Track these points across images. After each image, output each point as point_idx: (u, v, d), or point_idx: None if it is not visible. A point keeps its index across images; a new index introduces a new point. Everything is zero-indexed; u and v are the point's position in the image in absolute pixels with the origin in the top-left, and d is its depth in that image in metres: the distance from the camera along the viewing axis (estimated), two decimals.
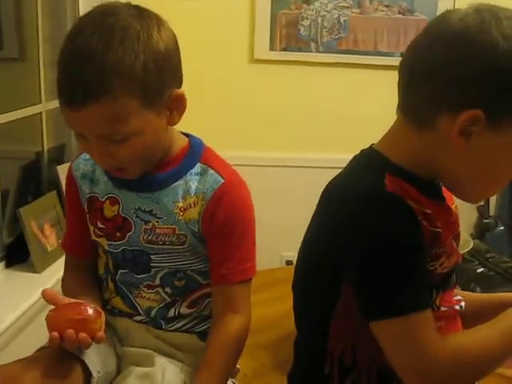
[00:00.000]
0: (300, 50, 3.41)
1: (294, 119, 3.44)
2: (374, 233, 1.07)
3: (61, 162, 2.69)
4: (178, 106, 1.29)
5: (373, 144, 1.23)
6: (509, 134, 1.09)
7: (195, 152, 1.39)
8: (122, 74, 1.18)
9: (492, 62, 1.05)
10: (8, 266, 2.28)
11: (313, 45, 3.41)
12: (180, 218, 1.35)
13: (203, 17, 3.27)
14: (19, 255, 2.29)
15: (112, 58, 1.17)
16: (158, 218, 1.36)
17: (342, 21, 3.40)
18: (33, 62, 2.57)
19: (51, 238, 2.39)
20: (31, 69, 2.57)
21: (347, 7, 3.39)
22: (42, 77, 2.57)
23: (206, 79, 3.24)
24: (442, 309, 1.20)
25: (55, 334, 1.25)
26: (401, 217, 1.07)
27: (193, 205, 1.35)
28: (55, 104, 2.67)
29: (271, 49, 3.38)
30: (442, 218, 1.16)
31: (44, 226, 2.37)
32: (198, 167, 1.36)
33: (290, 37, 3.39)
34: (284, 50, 3.40)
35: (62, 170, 2.56)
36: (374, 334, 1.10)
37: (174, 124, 1.32)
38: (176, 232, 1.35)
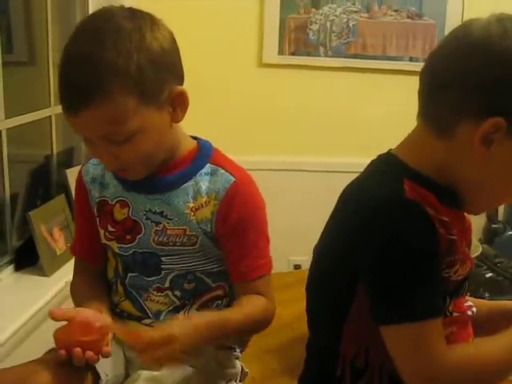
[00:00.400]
0: (309, 54, 3.42)
1: (303, 123, 3.43)
2: (387, 235, 1.07)
3: (70, 166, 2.69)
4: (179, 102, 1.30)
5: (391, 149, 1.23)
6: None
7: (204, 153, 1.40)
8: (116, 74, 1.20)
9: None
10: (17, 269, 2.29)
11: (321, 49, 3.41)
12: (191, 218, 1.36)
13: (212, 21, 3.27)
14: (28, 258, 2.29)
15: (106, 60, 1.20)
16: (169, 219, 1.37)
17: (350, 25, 3.40)
18: (42, 65, 2.58)
19: (60, 242, 2.40)
20: (41, 72, 2.58)
21: (356, 12, 3.39)
22: (51, 80, 2.57)
23: (215, 83, 3.25)
24: (455, 315, 1.20)
25: (63, 352, 1.26)
26: (418, 223, 1.07)
27: (204, 204, 1.35)
28: None
29: (280, 53, 3.38)
30: (457, 225, 1.15)
31: (53, 230, 2.38)
32: (207, 167, 1.37)
33: (298, 41, 3.39)
34: (293, 54, 3.40)
35: (71, 174, 2.57)
36: (383, 338, 1.10)
37: (178, 121, 1.33)
38: (187, 233, 1.36)
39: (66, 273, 2.24)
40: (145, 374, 1.37)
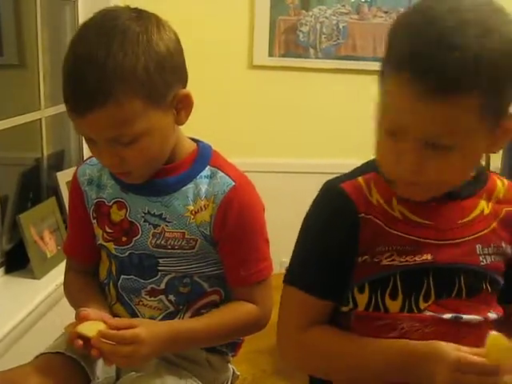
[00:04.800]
0: (299, 56, 3.43)
1: (293, 125, 3.44)
2: (306, 216, 1.21)
3: (60, 169, 2.69)
4: (184, 105, 1.30)
5: None
6: None
7: (204, 156, 1.39)
8: (123, 77, 1.19)
9: None
10: (8, 271, 2.28)
11: (312, 51, 3.42)
12: (191, 221, 1.35)
13: (202, 22, 3.27)
14: (19, 261, 2.29)
15: (113, 63, 1.18)
16: (168, 221, 1.35)
17: (340, 27, 3.42)
18: (32, 68, 2.57)
19: (51, 245, 2.39)
20: (31, 75, 2.58)
21: (346, 13, 3.41)
22: (41, 83, 2.57)
23: (205, 85, 3.24)
24: (427, 313, 1.14)
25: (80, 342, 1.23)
26: (329, 208, 1.18)
27: (203, 208, 1.34)
28: (54, 110, 2.68)
29: (270, 55, 3.39)
30: (434, 219, 1.15)
31: (43, 233, 2.37)
32: (207, 170, 1.37)
33: (288, 43, 3.40)
34: (283, 56, 3.41)
35: (62, 177, 2.57)
36: None
37: (182, 123, 1.33)
38: (186, 236, 1.35)
39: (57, 275, 2.23)
40: (135, 377, 1.36)
